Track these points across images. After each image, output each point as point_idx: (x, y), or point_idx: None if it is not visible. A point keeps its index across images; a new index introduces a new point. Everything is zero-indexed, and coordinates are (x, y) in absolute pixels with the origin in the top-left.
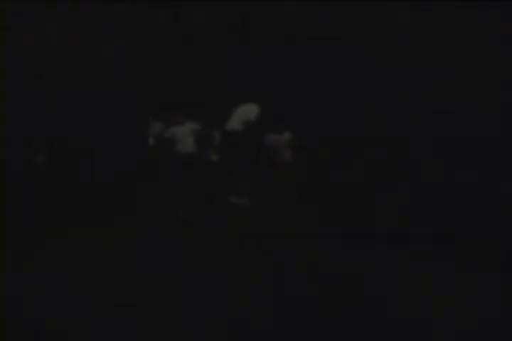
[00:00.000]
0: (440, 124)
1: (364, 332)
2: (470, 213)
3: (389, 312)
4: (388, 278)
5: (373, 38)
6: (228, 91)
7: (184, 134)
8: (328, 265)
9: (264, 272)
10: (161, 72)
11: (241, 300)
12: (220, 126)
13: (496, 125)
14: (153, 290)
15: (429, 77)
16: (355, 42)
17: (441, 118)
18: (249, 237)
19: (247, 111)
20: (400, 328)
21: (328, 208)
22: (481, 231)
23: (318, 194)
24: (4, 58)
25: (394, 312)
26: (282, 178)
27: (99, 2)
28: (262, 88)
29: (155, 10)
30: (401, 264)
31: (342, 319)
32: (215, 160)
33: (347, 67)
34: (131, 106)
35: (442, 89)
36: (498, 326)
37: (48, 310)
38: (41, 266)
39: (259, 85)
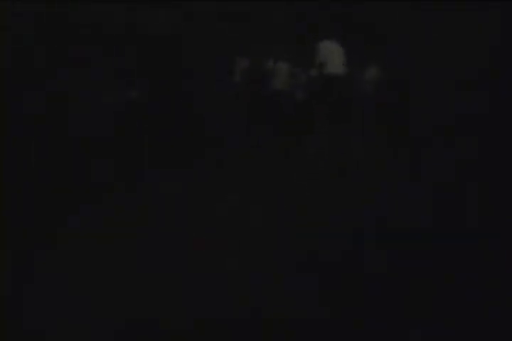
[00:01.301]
0: (438, 124)
1: (365, 332)
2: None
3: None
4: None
5: (373, 38)
6: None
7: (279, 71)
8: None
9: (264, 272)
10: None
11: (241, 300)
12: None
13: (496, 125)
14: (153, 291)
15: (429, 77)
16: (354, 42)
17: (440, 118)
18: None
19: (333, 52)
20: (399, 328)
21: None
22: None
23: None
24: (4, 58)
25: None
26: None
27: (99, 2)
28: None
29: (155, 10)
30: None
31: (343, 319)
32: (302, 99)
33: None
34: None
35: (442, 89)
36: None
37: (48, 310)
38: (41, 266)
39: None
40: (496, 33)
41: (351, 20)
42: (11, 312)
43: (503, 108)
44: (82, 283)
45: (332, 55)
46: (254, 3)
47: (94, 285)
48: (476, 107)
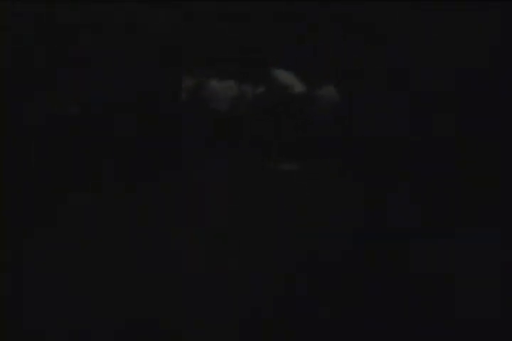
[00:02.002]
0: (440, 124)
1: (365, 332)
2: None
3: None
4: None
5: (373, 38)
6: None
7: (222, 90)
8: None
9: (264, 272)
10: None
11: (241, 300)
12: (254, 86)
13: (496, 125)
14: (154, 292)
15: (429, 77)
16: (354, 42)
17: (441, 118)
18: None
19: (284, 76)
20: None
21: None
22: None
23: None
24: (4, 58)
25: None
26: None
27: (99, 2)
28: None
29: (155, 10)
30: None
31: (344, 318)
32: (249, 122)
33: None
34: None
35: (442, 89)
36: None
37: (48, 310)
38: (41, 266)
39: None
40: (496, 33)
41: (351, 20)
42: (11, 312)
43: (503, 108)
44: (82, 283)
45: (290, 78)
46: (254, 3)
47: (95, 286)
48: (476, 108)
